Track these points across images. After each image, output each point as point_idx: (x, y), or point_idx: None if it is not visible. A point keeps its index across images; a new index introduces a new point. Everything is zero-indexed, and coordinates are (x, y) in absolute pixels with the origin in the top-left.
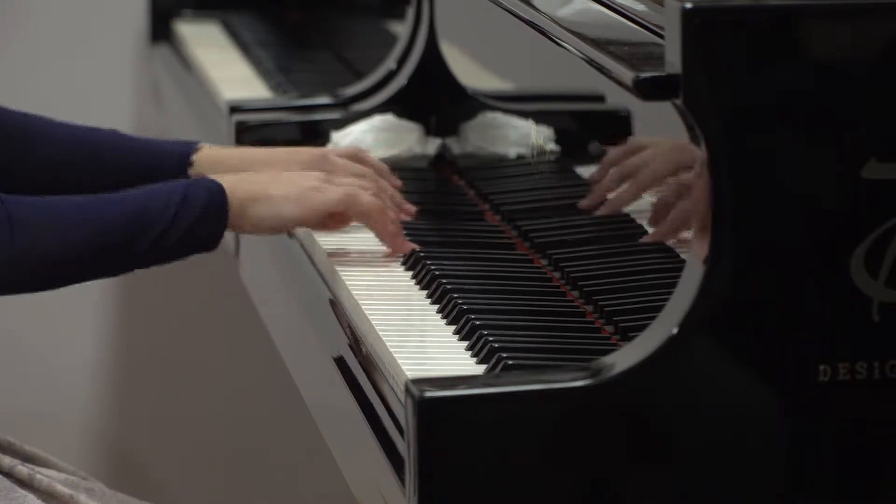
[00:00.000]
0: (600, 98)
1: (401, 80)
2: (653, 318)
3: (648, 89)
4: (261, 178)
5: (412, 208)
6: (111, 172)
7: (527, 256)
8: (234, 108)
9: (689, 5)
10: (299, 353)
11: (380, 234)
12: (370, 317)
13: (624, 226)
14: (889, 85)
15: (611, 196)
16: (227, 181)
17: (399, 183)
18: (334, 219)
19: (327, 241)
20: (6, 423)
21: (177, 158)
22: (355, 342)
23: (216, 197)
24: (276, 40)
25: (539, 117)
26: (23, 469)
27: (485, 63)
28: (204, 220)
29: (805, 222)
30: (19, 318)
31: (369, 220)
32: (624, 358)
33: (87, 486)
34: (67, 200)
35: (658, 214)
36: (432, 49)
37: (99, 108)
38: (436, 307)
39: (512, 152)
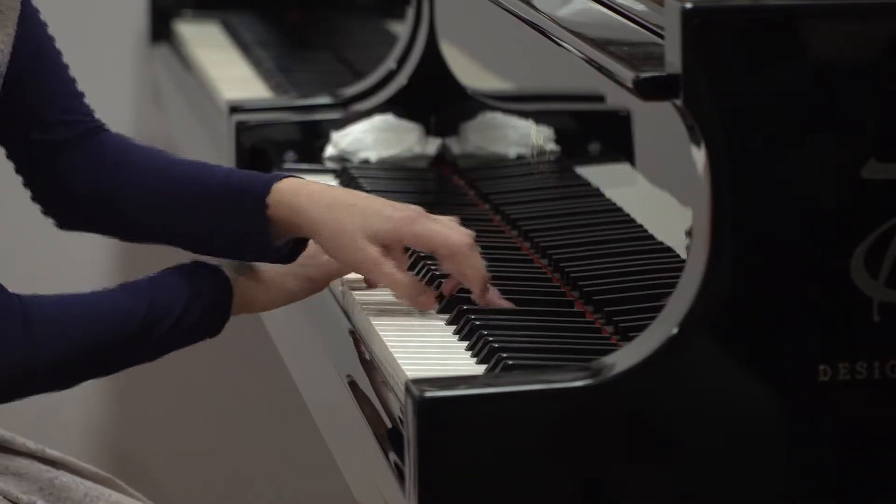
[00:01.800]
0: (600, 98)
1: (401, 80)
2: (653, 318)
3: (648, 89)
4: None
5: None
6: (188, 212)
7: (527, 256)
8: (234, 108)
9: (689, 5)
10: (300, 353)
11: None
12: (370, 317)
13: (624, 226)
14: (889, 85)
15: None
16: (230, 271)
17: (506, 304)
18: None
19: None
20: (6, 422)
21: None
22: (355, 342)
23: (222, 291)
24: (276, 40)
25: (539, 117)
26: None
27: (485, 63)
28: (209, 314)
29: (805, 222)
30: None
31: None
32: (624, 358)
33: None
34: (78, 297)
35: None
36: (432, 49)
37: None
38: (436, 307)
39: (512, 152)
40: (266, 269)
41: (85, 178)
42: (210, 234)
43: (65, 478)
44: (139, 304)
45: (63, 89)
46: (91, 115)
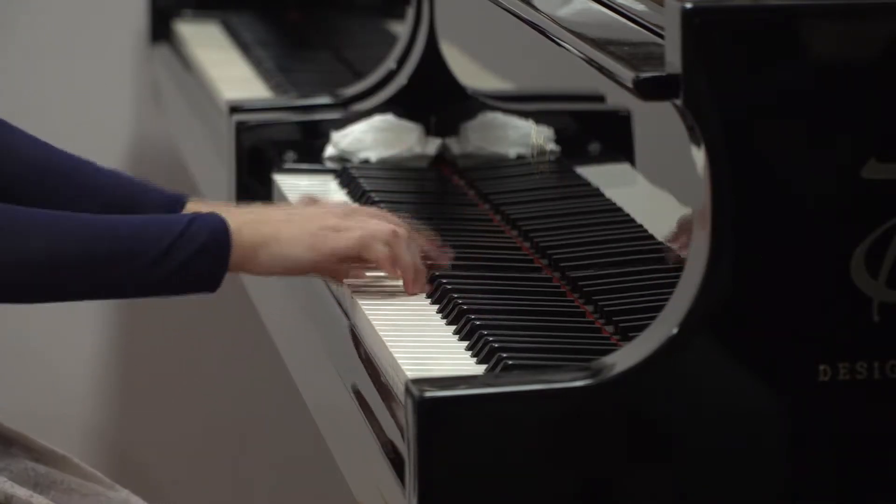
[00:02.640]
0: (600, 98)
1: (401, 80)
2: (653, 318)
3: (648, 89)
4: (272, 218)
5: (444, 258)
6: (84, 196)
7: (527, 257)
8: (234, 108)
9: (689, 5)
10: (299, 352)
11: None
12: (370, 316)
13: (624, 226)
14: (889, 85)
15: None
16: (235, 220)
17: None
18: (349, 263)
19: None
20: (7, 421)
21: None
22: (355, 342)
23: (219, 235)
24: (276, 40)
25: (539, 117)
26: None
27: (485, 63)
28: (203, 257)
29: (805, 222)
30: (21, 316)
31: (382, 268)
32: (624, 358)
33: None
34: (55, 212)
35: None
36: (432, 49)
37: (99, 108)
38: (436, 307)
39: (512, 152)
40: (277, 228)
41: None
42: None
43: (15, 467)
44: (123, 227)
45: None
46: None
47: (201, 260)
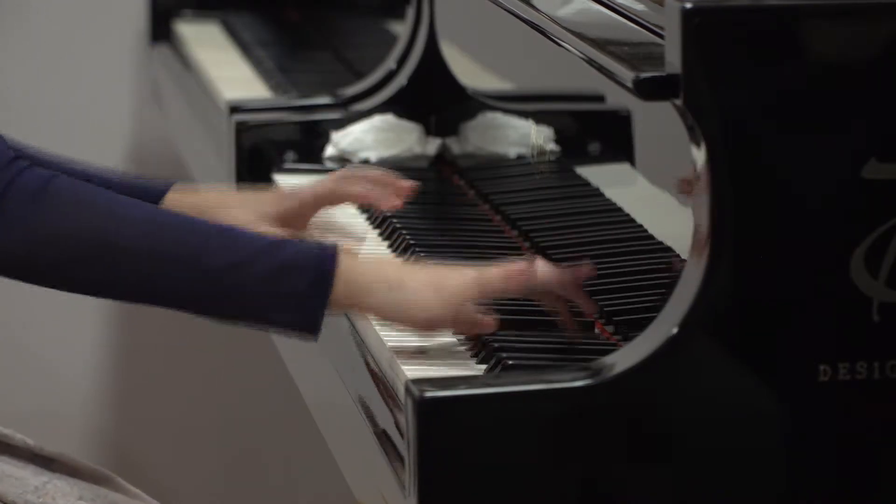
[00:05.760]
0: (600, 98)
1: (401, 80)
2: (653, 318)
3: (648, 89)
4: (398, 265)
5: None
6: None
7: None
8: (234, 108)
9: (689, 5)
10: (299, 352)
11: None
12: (370, 316)
13: (624, 226)
14: (889, 85)
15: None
16: (349, 253)
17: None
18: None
19: None
20: (6, 422)
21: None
22: (356, 342)
23: (325, 261)
24: (276, 40)
25: (539, 117)
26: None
27: (485, 63)
28: (293, 274)
29: (805, 222)
30: (20, 316)
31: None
32: (624, 358)
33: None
34: (124, 198)
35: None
36: (432, 49)
37: (99, 108)
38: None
39: (512, 152)
40: (395, 274)
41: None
42: None
43: (59, 481)
44: (211, 225)
45: None
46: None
47: (292, 277)
